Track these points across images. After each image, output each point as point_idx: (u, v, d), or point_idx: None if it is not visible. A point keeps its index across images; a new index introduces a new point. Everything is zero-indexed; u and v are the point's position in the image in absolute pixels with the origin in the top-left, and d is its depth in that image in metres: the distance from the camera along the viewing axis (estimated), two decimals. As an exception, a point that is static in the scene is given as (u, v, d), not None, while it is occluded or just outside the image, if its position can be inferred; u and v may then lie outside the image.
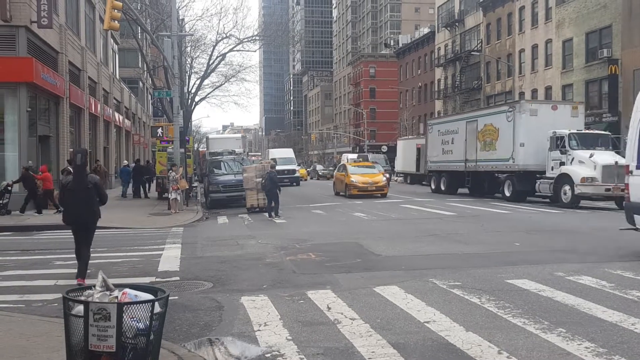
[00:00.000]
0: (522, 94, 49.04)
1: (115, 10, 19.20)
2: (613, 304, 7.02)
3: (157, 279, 9.26)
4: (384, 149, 67.71)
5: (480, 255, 10.97)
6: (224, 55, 34.92)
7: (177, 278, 9.37)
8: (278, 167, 26.80)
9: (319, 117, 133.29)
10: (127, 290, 4.30)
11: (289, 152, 50.14)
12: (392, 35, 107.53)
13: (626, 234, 11.88)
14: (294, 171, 43.95)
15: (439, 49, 66.05)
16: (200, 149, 57.21)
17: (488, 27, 54.75)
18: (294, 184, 42.64)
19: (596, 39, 40.08)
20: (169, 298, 7.48)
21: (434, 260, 10.51)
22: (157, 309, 4.21)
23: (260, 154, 79.28)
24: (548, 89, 45.40)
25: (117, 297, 4.22)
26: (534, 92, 47.26)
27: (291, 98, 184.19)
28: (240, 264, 10.49)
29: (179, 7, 32.14)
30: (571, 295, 7.47)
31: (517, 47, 49.92)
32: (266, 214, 20.23)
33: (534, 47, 47.39)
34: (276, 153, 49.43)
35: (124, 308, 4.05)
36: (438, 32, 66.51)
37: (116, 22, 19.42)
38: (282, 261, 10.73)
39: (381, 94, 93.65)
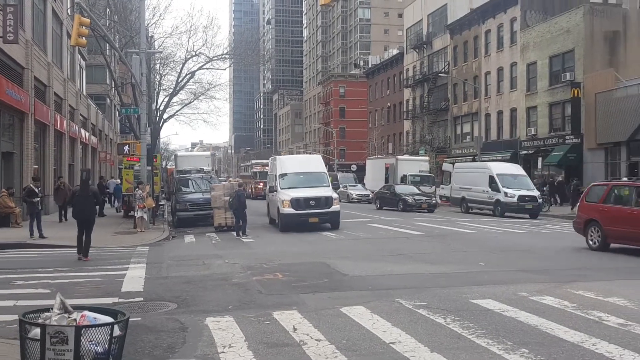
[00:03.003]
0: (487, 115, 49.93)
1: (83, 27, 19.03)
2: (575, 324, 7.13)
3: (120, 300, 9.09)
4: (354, 168, 68.08)
5: (446, 274, 11.05)
6: (193, 73, 34.82)
7: (141, 299, 9.21)
8: (298, 194, 20.83)
9: (289, 135, 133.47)
10: (86, 312, 4.21)
11: (314, 161, 25.18)
12: (361, 56, 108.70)
13: (587, 254, 12.10)
14: (328, 200, 21.17)
15: (407, 70, 66.96)
16: (168, 167, 56.66)
17: (455, 49, 55.75)
18: (331, 226, 21.34)
19: (559, 63, 41.13)
20: (132, 319, 7.36)
21: (401, 280, 10.54)
22: (117, 332, 4.12)
23: (264, 161, 58.51)
24: (513, 111, 46.32)
25: (75, 319, 4.12)
26: (500, 113, 48.16)
27: (261, 116, 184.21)
28: (206, 284, 10.36)
29: (148, 24, 31.99)
30: (534, 315, 7.56)
31: (483, 70, 50.90)
32: (234, 233, 20.09)
33: (500, 70, 48.38)
34: (288, 163, 24.14)
35: (82, 331, 3.96)
36: (407, 53, 67.46)
37: (83, 38, 19.24)
38: (249, 281, 10.64)
39: (351, 114, 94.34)
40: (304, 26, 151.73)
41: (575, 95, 38.22)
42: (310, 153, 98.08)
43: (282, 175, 22.54)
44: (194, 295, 9.41)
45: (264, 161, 48.24)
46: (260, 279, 10.78)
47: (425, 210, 31.83)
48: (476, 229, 21.55)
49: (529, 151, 43.40)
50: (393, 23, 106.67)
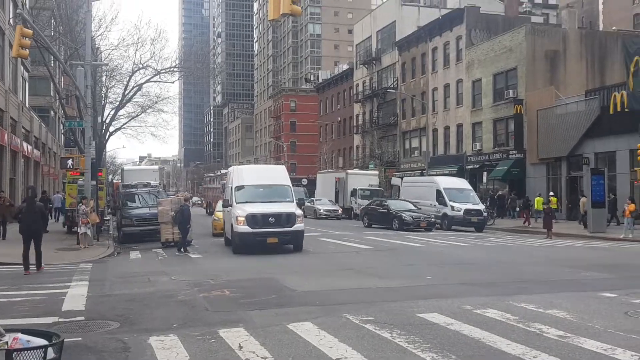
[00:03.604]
0: (435, 130, 50.92)
1: (25, 38, 18.50)
2: (517, 337, 7.28)
3: (61, 319, 8.78)
4: (304, 182, 68.12)
5: (393, 289, 11.14)
6: (140, 86, 34.21)
7: (82, 318, 8.92)
8: (256, 209, 18.17)
9: (240, 149, 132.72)
10: (19, 335, 4.04)
11: (276, 173, 22.25)
12: (312, 71, 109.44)
13: (530, 267, 12.41)
14: (290, 217, 18.66)
15: (357, 85, 67.73)
16: (115, 181, 55.36)
17: (404, 66, 56.76)
18: (294, 247, 19.08)
19: (503, 80, 42.40)
20: (72, 339, 7.13)
21: (349, 294, 10.57)
22: (51, 354, 3.97)
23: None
24: (459, 126, 47.39)
25: (7, 342, 3.96)
26: (447, 129, 49.21)
27: (211, 130, 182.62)
28: (151, 302, 10.13)
29: (94, 36, 31.35)
30: (478, 328, 7.69)
31: (430, 86, 51.96)
32: (182, 249, 19.74)
33: (446, 86, 49.50)
34: (246, 174, 21.35)
35: (14, 355, 3.80)
36: (356, 69, 68.28)
37: (26, 49, 18.70)
38: (195, 298, 10.46)
39: (302, 128, 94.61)
40: (255, 40, 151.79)
41: (518, 111, 39.43)
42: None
43: (239, 188, 19.68)
44: (138, 313, 9.18)
45: (260, 166, 39.73)
46: (207, 296, 10.62)
47: (423, 229, 28.14)
48: (424, 242, 21.85)
49: (475, 166, 44.45)
50: (343, 39, 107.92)
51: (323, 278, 12.71)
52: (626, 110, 29.14)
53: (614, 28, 49.41)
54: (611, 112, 31.31)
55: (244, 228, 17.88)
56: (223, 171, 54.94)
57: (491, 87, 43.38)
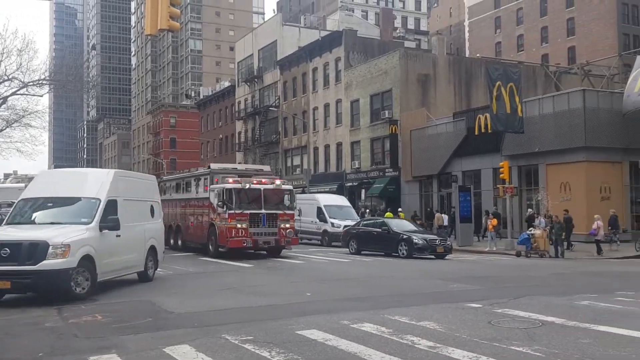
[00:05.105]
0: (316, 149, 51.92)
1: None
2: (391, 349, 7.56)
3: None
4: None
5: (274, 307, 11.17)
6: (5, 99, 32.02)
7: None
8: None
9: (116, 166, 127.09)
10: None
11: (80, 180, 14.61)
12: (193, 87, 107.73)
13: (405, 281, 12.93)
14: (34, 250, 11.70)
15: (239, 102, 67.58)
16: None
17: (285, 84, 57.50)
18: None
19: (379, 101, 44.20)
20: None
21: (228, 314, 10.45)
22: None
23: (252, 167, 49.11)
24: (339, 145, 48.68)
25: None
26: (327, 147, 50.35)
27: (85, 146, 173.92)
28: (13, 330, 9.40)
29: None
30: (354, 342, 7.90)
31: (311, 105, 53.01)
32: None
33: (326, 106, 50.73)
34: (38, 182, 14.88)
35: None
36: (238, 86, 68.16)
37: None
38: (64, 325, 9.85)
39: (182, 145, 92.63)
40: (132, 54, 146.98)
41: (393, 131, 41.24)
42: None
43: (21, 202, 13.92)
44: (0, 344, 8.50)
45: (253, 167, 32.98)
46: (76, 322, 10.03)
47: (434, 257, 22.82)
48: (305, 259, 22.11)
49: (354, 183, 45.79)
50: (225, 56, 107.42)
51: (202, 298, 12.47)
52: (489, 131, 31.38)
53: (478, 55, 53.24)
54: (476, 133, 33.59)
55: None
56: (215, 166, 32.29)
57: (368, 107, 45.04)
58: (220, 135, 72.78)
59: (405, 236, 23.28)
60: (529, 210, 29.67)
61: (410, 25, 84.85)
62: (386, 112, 42.39)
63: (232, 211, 21.41)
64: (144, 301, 12.18)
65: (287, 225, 22.37)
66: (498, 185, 28.78)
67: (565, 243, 24.66)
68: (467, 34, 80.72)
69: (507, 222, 28.52)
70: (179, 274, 17.88)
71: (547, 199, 29.33)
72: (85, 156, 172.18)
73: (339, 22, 65.02)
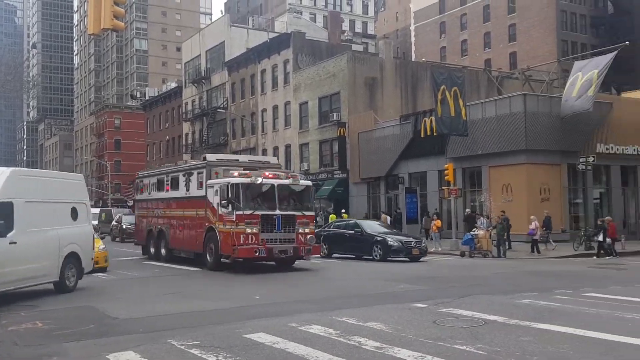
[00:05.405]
0: (265, 151, 51.74)
1: None
2: (338, 350, 7.62)
3: None
4: (130, 203, 65.19)
5: (221, 311, 11.08)
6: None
7: None
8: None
9: (57, 168, 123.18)
10: None
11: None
12: (138, 87, 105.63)
13: (355, 282, 13.03)
14: None
15: (186, 103, 66.70)
16: None
17: (233, 86, 57.10)
18: None
19: (327, 104, 44.45)
20: None
21: (175, 319, 10.30)
22: None
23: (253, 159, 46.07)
24: (288, 147, 48.68)
25: None
26: (276, 149, 50.26)
27: (25, 147, 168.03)
28: (-53, 341, 9.02)
29: None
30: (302, 345, 7.92)
31: (260, 107, 52.83)
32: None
33: (275, 108, 50.65)
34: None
35: None
36: (185, 87, 67.27)
37: None
38: (2, 332, 9.50)
39: (127, 146, 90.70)
40: (75, 53, 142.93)
41: (341, 134, 41.55)
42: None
43: None
44: None
45: (257, 159, 28.40)
46: (16, 329, 9.70)
47: (408, 259, 22.07)
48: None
49: (303, 185, 45.81)
50: (171, 56, 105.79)
51: (148, 304, 12.25)
52: (435, 134, 32.00)
53: (423, 59, 54.16)
54: (422, 135, 34.17)
55: None
56: (213, 156, 23.04)
57: (317, 110, 45.22)
58: (167, 137, 71.65)
59: (379, 238, 22.45)
60: (467, 210, 30.43)
61: (358, 28, 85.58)
62: (334, 114, 42.66)
63: (241, 212, 17.22)
64: (87, 307, 11.88)
65: (307, 230, 18.33)
66: (443, 187, 29.38)
67: (507, 243, 25.38)
68: (413, 38, 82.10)
69: (452, 223, 29.14)
70: (124, 278, 17.52)
71: (489, 200, 30.16)
72: (25, 158, 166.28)
73: (288, 24, 65.01)
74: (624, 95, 41.65)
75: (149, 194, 23.75)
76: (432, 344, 7.94)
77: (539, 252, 25.07)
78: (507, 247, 25.13)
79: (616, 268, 19.69)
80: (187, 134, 66.33)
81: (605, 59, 30.56)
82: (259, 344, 8.05)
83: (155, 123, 76.22)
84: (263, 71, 52.42)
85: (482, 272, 18.29)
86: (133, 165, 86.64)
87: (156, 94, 78.40)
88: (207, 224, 18.71)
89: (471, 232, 25.36)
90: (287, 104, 48.96)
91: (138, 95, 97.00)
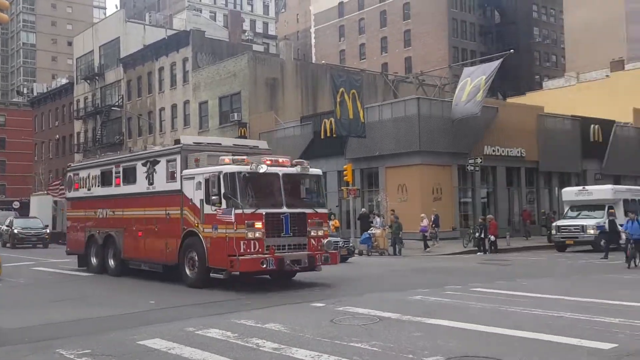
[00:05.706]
0: (163, 151, 50.44)
1: None
2: (235, 353, 7.61)
3: None
4: (16, 205, 61.22)
5: (115, 317, 10.71)
6: None
7: None
8: None
9: None
10: None
11: None
12: (25, 83, 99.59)
13: (254, 284, 12.97)
14: None
15: (78, 101, 63.72)
16: None
17: (129, 83, 55.21)
18: None
19: (228, 104, 44.04)
20: None
21: (65, 327, 9.84)
22: None
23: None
24: (187, 147, 47.69)
25: None
26: (174, 149, 49.12)
27: None
28: None
29: None
30: (199, 349, 7.82)
31: (157, 105, 51.43)
32: None
33: (174, 107, 49.52)
34: None
35: None
36: (77, 83, 64.25)
37: None
38: None
39: (12, 145, 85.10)
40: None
41: (243, 134, 41.27)
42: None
43: None
44: None
45: (243, 142, 21.98)
46: None
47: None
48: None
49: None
50: (62, 51, 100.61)
51: (36, 311, 11.61)
52: (334, 135, 32.57)
53: (323, 61, 55.04)
54: (322, 136, 34.69)
55: None
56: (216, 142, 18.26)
57: (217, 109, 44.67)
58: (57, 136, 68.10)
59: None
60: (363, 209, 31.24)
61: (259, 29, 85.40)
62: (235, 114, 42.34)
63: (240, 210, 13.15)
64: (-35, 319, 11.07)
65: (321, 233, 14.49)
66: (342, 187, 29.95)
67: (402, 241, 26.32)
68: (313, 41, 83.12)
69: (350, 222, 29.77)
70: (9, 286, 16.48)
71: (386, 199, 31.13)
72: None
73: (186, 21, 63.76)
74: (509, 100, 44.45)
75: (89, 190, 19.15)
76: (329, 342, 8.10)
77: (427, 247, 26.23)
78: (402, 245, 26.06)
79: (502, 264, 20.95)
80: (79, 133, 63.38)
81: (492, 66, 32.41)
82: (153, 350, 7.87)
83: (44, 121, 72.24)
84: (161, 69, 51.08)
85: (378, 270, 18.85)
86: (20, 166, 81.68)
87: (45, 90, 74.33)
88: (185, 227, 14.62)
89: (368, 232, 26.06)
90: (186, 103, 48.01)
91: (25, 91, 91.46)
